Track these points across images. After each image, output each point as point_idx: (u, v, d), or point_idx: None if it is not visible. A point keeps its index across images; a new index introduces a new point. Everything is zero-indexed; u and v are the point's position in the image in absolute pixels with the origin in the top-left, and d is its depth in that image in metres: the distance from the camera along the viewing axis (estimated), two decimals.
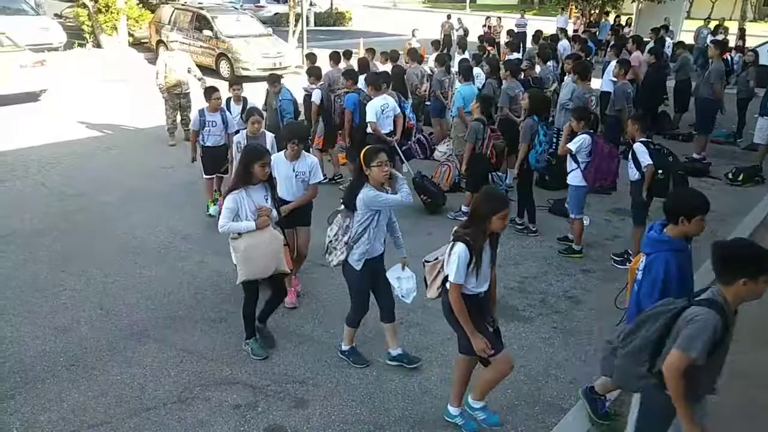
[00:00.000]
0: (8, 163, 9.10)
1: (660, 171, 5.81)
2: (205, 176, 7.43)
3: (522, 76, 9.37)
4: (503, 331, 4.10)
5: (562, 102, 8.79)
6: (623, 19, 24.35)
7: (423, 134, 10.45)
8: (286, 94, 8.31)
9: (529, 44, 16.48)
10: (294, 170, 5.25)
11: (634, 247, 6.27)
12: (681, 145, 11.01)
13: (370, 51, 11.29)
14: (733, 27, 21.69)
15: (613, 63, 9.89)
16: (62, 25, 18.09)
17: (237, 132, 7.02)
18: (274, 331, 5.13)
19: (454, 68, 10.82)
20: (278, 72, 16.04)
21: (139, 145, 10.45)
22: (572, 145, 6.28)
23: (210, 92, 7.26)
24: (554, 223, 7.52)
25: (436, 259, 3.98)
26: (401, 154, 8.18)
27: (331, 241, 4.49)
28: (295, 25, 20.28)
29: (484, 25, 22.24)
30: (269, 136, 6.43)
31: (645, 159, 5.81)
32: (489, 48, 13.89)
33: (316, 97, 8.45)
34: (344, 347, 4.75)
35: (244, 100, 7.88)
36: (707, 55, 11.94)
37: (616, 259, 6.56)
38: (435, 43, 12.98)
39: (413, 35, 14.72)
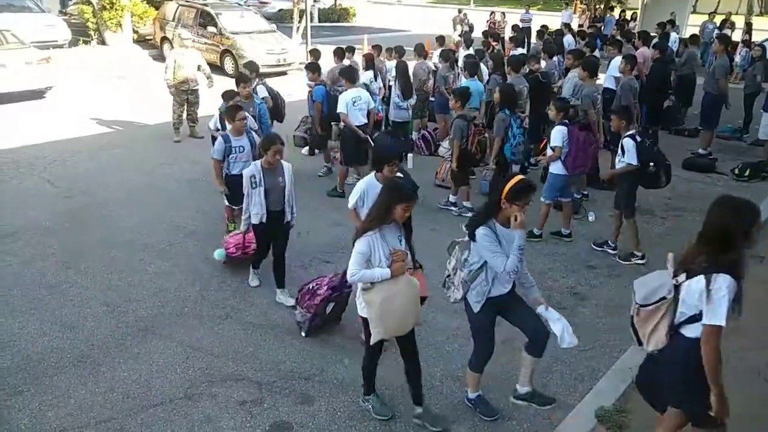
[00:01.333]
0: (14, 161, 9.13)
1: (652, 164, 6.02)
2: (227, 203, 6.55)
3: (526, 71, 9.34)
4: (510, 327, 4.08)
5: (566, 97, 8.74)
6: (628, 14, 24.22)
7: (428, 130, 10.45)
8: (262, 91, 8.12)
9: (534, 39, 16.43)
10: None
11: (633, 242, 6.49)
12: (687, 140, 10.99)
13: (377, 47, 11.27)
14: (739, 21, 21.54)
15: (617, 59, 9.85)
16: (67, 22, 18.12)
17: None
18: (280, 327, 5.16)
19: (459, 64, 10.79)
20: (282, 68, 16.28)
21: (144, 142, 10.47)
22: (555, 141, 6.53)
23: (233, 112, 6.23)
24: (560, 221, 7.50)
25: (661, 299, 3.16)
26: (372, 143, 8.21)
27: (449, 275, 4.00)
28: (299, 22, 20.25)
29: (489, 21, 22.19)
30: (287, 167, 5.52)
31: (630, 156, 6.02)
32: (493, 43, 13.84)
33: (318, 94, 8.49)
34: (470, 395, 4.20)
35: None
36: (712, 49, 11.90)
37: (596, 249, 6.75)
38: (440, 39, 12.94)
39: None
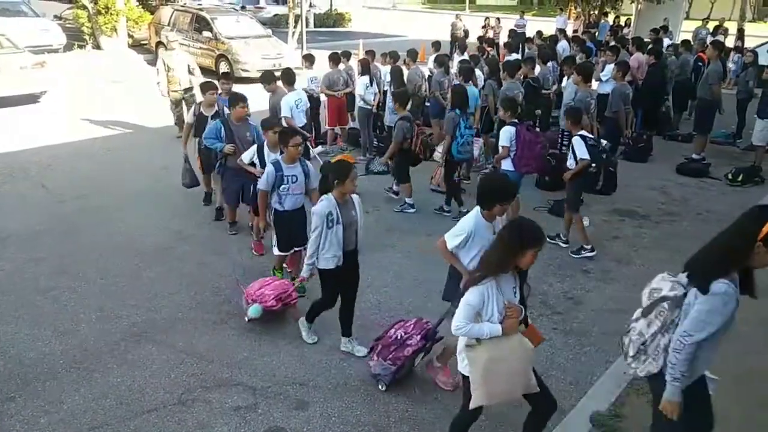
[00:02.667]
0: (8, 165, 9.10)
1: (593, 165, 6.43)
2: (278, 252, 5.62)
3: (521, 77, 9.37)
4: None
5: (566, 103, 8.79)
6: (622, 20, 24.34)
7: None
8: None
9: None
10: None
11: (564, 230, 6.91)
12: (681, 145, 11.05)
13: (371, 53, 11.29)
14: (732, 27, 21.69)
15: (609, 66, 9.91)
16: (62, 27, 18.10)
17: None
18: (274, 333, 5.14)
19: (454, 69, 10.82)
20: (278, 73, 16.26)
21: (139, 146, 10.45)
22: (504, 141, 6.79)
23: (287, 137, 5.31)
24: (554, 225, 7.52)
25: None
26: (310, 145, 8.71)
27: (644, 341, 3.05)
28: (295, 27, 20.30)
29: (484, 26, 22.28)
30: (356, 198, 4.70)
31: (582, 152, 6.37)
32: (488, 49, 13.89)
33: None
34: None
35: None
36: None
37: (551, 242, 6.84)
38: (435, 44, 12.98)
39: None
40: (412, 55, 10.88)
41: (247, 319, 5.09)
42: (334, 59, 10.28)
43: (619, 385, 4.47)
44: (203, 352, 4.86)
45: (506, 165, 6.86)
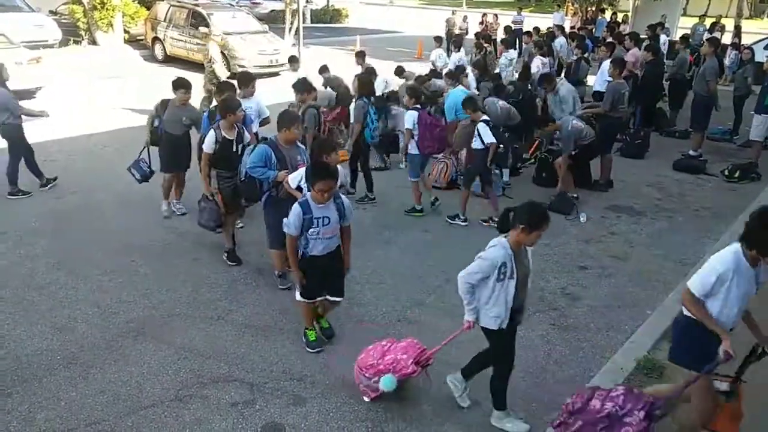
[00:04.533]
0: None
1: (501, 145, 7.15)
2: (301, 299, 4.75)
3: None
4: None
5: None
6: (620, 16, 24.36)
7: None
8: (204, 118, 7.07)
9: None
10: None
11: (461, 207, 7.36)
12: (677, 141, 11.06)
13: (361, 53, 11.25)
14: (729, 24, 21.71)
15: (607, 62, 9.91)
16: (57, 22, 18.01)
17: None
18: (272, 329, 5.14)
19: (450, 65, 10.80)
20: (275, 69, 16.23)
21: (135, 142, 10.30)
22: (408, 125, 7.20)
23: (321, 174, 4.34)
24: (557, 221, 7.52)
25: None
26: None
27: None
28: (292, 22, 20.23)
29: (481, 22, 22.27)
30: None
31: (489, 137, 6.91)
32: (485, 45, 13.88)
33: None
34: None
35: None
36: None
37: (450, 221, 7.39)
38: (438, 39, 12.96)
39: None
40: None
41: (372, 396, 4.23)
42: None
43: (616, 381, 4.48)
44: (200, 348, 4.85)
45: (412, 148, 7.32)
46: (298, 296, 4.74)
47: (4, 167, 7.81)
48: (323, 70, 10.44)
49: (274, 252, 5.63)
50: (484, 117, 7.12)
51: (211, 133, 5.88)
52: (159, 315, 5.32)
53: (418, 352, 4.18)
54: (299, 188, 5.07)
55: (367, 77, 8.28)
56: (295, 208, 4.43)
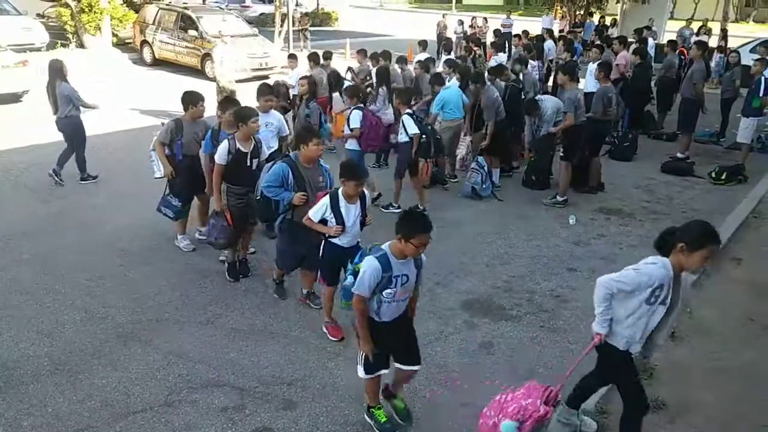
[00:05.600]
0: None
1: (424, 136, 7.31)
2: (364, 375, 3.92)
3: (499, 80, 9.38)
4: (492, 330, 4.09)
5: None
6: (608, 20, 24.55)
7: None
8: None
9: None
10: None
11: (395, 197, 7.62)
12: (665, 144, 11.15)
13: (362, 51, 11.29)
14: (715, 28, 21.94)
15: (594, 64, 9.97)
16: (45, 26, 17.88)
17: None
18: (262, 333, 5.11)
19: (440, 68, 10.81)
20: (264, 72, 16.20)
21: (123, 146, 10.34)
22: (354, 123, 7.30)
23: (418, 228, 3.57)
24: (546, 224, 7.58)
25: None
26: None
27: None
28: (281, 26, 20.23)
29: (471, 26, 22.37)
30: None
31: (412, 128, 7.23)
32: (475, 48, 13.92)
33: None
34: None
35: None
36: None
37: (384, 210, 7.54)
38: (422, 43, 12.98)
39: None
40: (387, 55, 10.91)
41: None
42: (314, 59, 10.34)
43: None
44: (189, 352, 4.82)
45: (351, 145, 7.44)
46: (361, 372, 3.89)
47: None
48: (327, 56, 10.70)
49: (277, 269, 5.60)
50: (408, 110, 7.41)
51: (225, 142, 5.49)
52: (147, 320, 5.27)
53: (543, 391, 3.83)
54: (323, 221, 4.59)
55: (312, 79, 8.31)
56: (373, 263, 3.55)
